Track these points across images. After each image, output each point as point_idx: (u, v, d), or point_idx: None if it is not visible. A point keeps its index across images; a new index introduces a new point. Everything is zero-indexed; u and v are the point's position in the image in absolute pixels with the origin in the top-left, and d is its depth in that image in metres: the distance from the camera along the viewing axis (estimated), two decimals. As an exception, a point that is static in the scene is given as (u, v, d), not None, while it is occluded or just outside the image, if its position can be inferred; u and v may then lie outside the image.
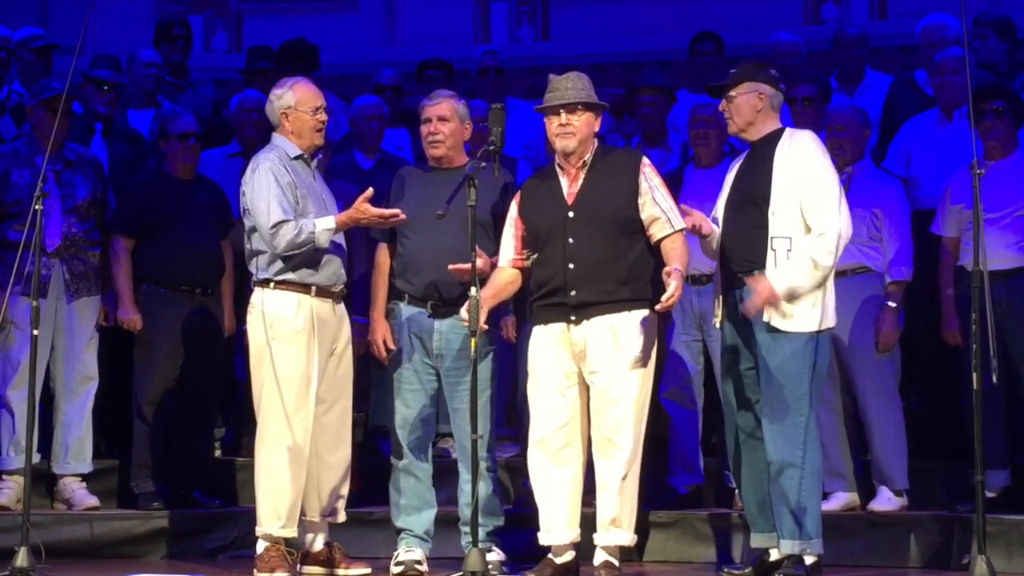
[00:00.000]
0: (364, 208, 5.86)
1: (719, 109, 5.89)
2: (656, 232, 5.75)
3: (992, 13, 8.30)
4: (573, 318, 5.71)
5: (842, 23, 10.31)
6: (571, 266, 5.70)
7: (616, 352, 5.66)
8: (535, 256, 5.82)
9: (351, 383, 6.13)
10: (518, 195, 5.96)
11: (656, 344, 5.80)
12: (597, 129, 5.86)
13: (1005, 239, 6.42)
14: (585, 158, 5.80)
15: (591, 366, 5.69)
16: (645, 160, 5.85)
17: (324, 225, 5.84)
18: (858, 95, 8.05)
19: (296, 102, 6.01)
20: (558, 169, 5.86)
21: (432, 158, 6.16)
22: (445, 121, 6.13)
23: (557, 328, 5.74)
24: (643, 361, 5.69)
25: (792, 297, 5.54)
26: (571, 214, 5.75)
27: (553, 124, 5.79)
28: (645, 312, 5.72)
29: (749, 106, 5.76)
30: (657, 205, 5.74)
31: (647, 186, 5.76)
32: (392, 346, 6.08)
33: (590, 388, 5.72)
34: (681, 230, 5.75)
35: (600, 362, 5.67)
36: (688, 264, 5.77)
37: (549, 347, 5.76)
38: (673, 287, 5.43)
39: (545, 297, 5.78)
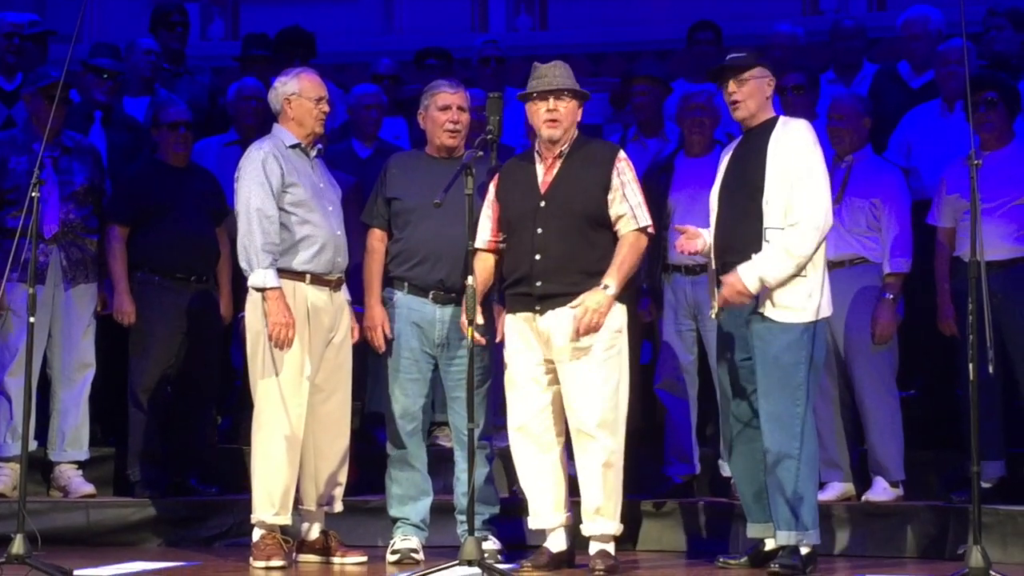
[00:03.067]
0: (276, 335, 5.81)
1: (729, 92, 5.78)
2: (621, 228, 5.76)
3: (1002, 4, 8.28)
4: (538, 308, 5.72)
5: (840, 14, 10.31)
6: (537, 257, 5.71)
7: (581, 342, 5.66)
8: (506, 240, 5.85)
9: (350, 373, 6.13)
10: (496, 177, 5.96)
11: (627, 333, 5.78)
12: (579, 119, 5.85)
13: (1000, 230, 6.41)
14: (563, 148, 5.80)
15: (557, 356, 5.71)
16: (621, 155, 5.84)
17: (269, 277, 5.80)
18: (855, 86, 8.04)
19: (300, 90, 6.02)
20: (536, 155, 5.86)
21: (446, 147, 6.15)
22: (463, 111, 6.16)
23: (525, 317, 5.76)
24: (611, 350, 5.69)
25: (764, 286, 5.53)
26: (542, 203, 5.76)
27: (540, 110, 5.78)
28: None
29: (761, 91, 5.73)
30: (626, 201, 5.74)
31: (618, 182, 5.75)
32: (390, 334, 6.08)
33: (560, 378, 5.73)
34: (644, 228, 5.74)
35: (565, 352, 5.68)
36: (629, 266, 5.71)
37: (519, 336, 5.78)
38: (582, 299, 5.55)
39: (513, 286, 5.80)
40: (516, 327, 5.80)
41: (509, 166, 5.99)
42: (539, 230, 5.73)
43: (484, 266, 5.90)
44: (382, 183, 6.20)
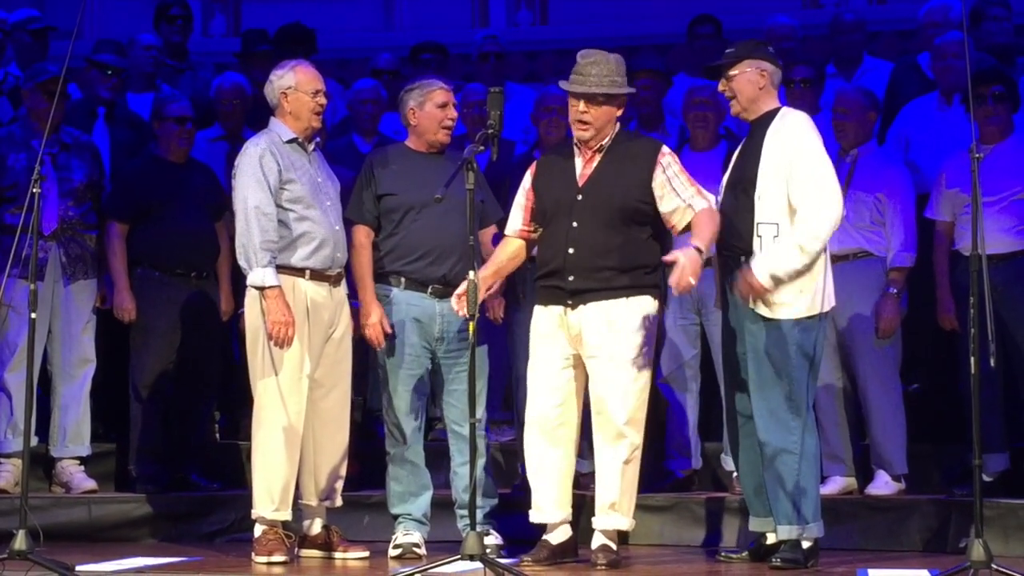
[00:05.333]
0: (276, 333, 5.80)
1: (719, 90, 5.84)
2: (679, 222, 5.69)
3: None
4: (570, 303, 5.70)
5: (840, 8, 10.30)
6: (571, 251, 5.68)
7: (612, 338, 5.64)
8: (540, 231, 5.83)
9: (350, 368, 6.12)
10: (534, 167, 5.94)
11: (655, 330, 5.79)
12: (620, 115, 5.79)
13: (1001, 223, 6.42)
14: (603, 142, 5.77)
15: (587, 351, 5.68)
16: (664, 149, 5.78)
17: (268, 275, 5.77)
18: (855, 80, 8.04)
19: (296, 83, 6.00)
20: (576, 148, 5.83)
21: (441, 144, 6.17)
22: (454, 108, 6.17)
23: (555, 310, 5.74)
24: (640, 347, 5.66)
25: (778, 282, 5.51)
26: (579, 197, 5.72)
27: (572, 109, 5.74)
28: (644, 299, 5.70)
29: (751, 84, 5.72)
30: (677, 196, 5.68)
31: (664, 178, 5.69)
32: (389, 330, 6.07)
33: (588, 373, 5.71)
34: (705, 208, 5.65)
35: (596, 347, 5.66)
36: (712, 232, 5.58)
37: (548, 328, 5.76)
38: (679, 267, 5.30)
39: (545, 278, 5.77)
40: (545, 319, 5.77)
41: (548, 157, 5.98)
42: (574, 223, 5.69)
43: (509, 253, 5.89)
44: (368, 180, 6.17)
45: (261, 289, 5.80)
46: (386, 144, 7.56)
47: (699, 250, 5.42)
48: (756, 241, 5.57)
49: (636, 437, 5.67)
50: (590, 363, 5.69)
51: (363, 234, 6.15)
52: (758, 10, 9.24)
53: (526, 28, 11.52)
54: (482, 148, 5.50)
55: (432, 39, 9.12)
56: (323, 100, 6.05)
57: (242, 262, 5.86)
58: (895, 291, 6.56)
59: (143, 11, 9.40)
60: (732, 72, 5.72)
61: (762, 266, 5.50)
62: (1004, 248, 6.41)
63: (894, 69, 8.05)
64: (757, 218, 5.57)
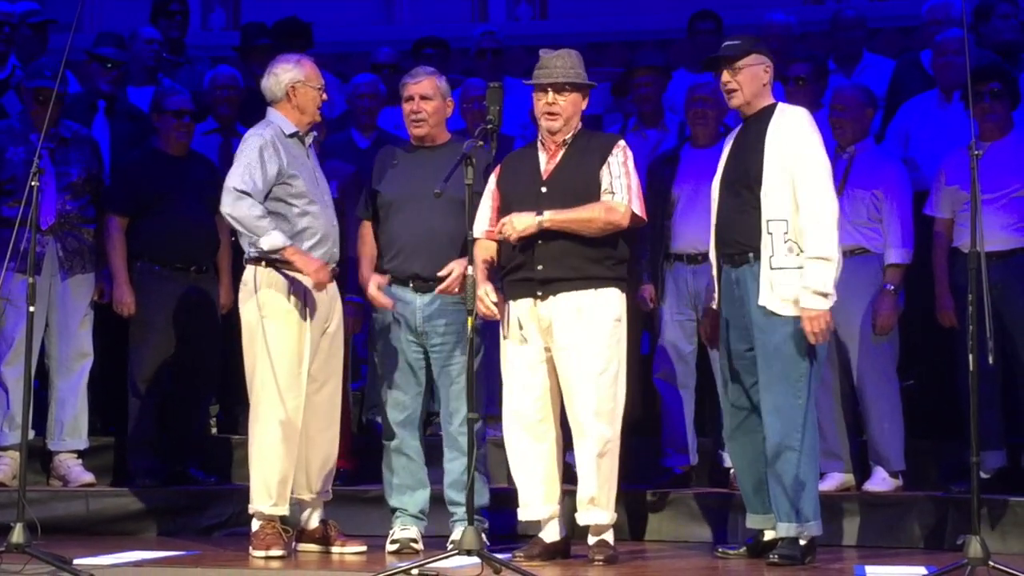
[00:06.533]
0: (318, 279, 5.80)
1: (722, 81, 5.78)
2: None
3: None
4: (539, 294, 5.70)
5: (841, 4, 10.30)
6: (539, 241, 5.69)
7: (581, 330, 5.64)
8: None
9: (342, 362, 6.13)
10: (498, 167, 5.94)
11: (626, 322, 5.76)
12: (584, 108, 5.84)
13: (1000, 220, 6.42)
14: (566, 137, 5.79)
15: (557, 343, 5.68)
16: (620, 143, 5.82)
17: (277, 237, 5.73)
18: (855, 77, 8.03)
19: (306, 77, 5.97)
20: (540, 145, 5.86)
21: (415, 137, 6.15)
22: (428, 100, 6.11)
23: (525, 304, 5.74)
24: (611, 338, 5.67)
25: (828, 297, 5.51)
26: (544, 189, 5.75)
27: (540, 102, 5.78)
28: (613, 290, 5.70)
29: (757, 78, 5.69)
30: (608, 179, 5.68)
31: (607, 162, 5.71)
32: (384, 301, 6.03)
33: (557, 366, 5.71)
34: (605, 203, 5.66)
35: (565, 339, 5.66)
36: (575, 217, 5.63)
37: (518, 322, 5.75)
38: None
39: (513, 271, 5.77)
40: (515, 314, 5.78)
41: (512, 156, 6.00)
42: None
43: (485, 255, 5.89)
44: (370, 176, 6.20)
45: (280, 251, 5.76)
46: (385, 139, 7.59)
47: (539, 215, 5.62)
48: (766, 239, 5.56)
49: (607, 430, 5.66)
50: (559, 355, 5.68)
51: (366, 229, 6.19)
52: (759, 5, 9.24)
53: (526, 22, 11.53)
54: (481, 143, 5.51)
55: (433, 34, 9.12)
56: (325, 95, 6.05)
57: (246, 240, 5.82)
58: (892, 288, 6.57)
59: (142, 5, 9.40)
60: (739, 64, 5.70)
61: (808, 297, 5.51)
62: (1003, 245, 6.41)
63: (896, 66, 8.05)
64: (765, 215, 5.56)
